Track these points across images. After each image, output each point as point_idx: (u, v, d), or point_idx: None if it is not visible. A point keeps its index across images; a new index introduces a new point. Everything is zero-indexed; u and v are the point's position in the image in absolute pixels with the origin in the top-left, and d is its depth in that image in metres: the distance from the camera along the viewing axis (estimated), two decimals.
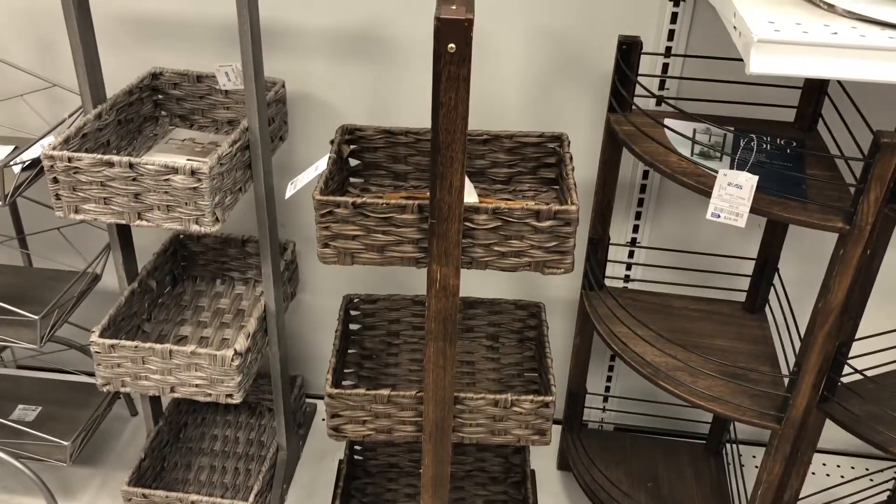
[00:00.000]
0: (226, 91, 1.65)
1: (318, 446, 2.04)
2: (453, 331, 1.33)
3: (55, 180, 1.33)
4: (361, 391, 1.44)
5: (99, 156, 1.30)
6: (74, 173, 1.32)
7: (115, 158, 1.29)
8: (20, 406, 1.91)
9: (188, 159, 1.54)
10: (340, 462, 1.99)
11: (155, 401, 1.84)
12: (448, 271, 1.26)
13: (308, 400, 2.14)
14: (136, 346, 1.50)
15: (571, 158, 1.39)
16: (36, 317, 1.54)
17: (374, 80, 1.70)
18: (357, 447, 1.88)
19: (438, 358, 1.35)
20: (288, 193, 1.36)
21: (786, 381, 1.40)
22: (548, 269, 1.29)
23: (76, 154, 1.30)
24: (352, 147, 1.48)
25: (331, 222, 1.26)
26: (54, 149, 1.32)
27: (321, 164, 1.34)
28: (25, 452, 1.75)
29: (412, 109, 1.72)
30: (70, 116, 1.56)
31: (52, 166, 1.32)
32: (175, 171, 1.29)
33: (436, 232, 1.23)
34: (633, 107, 1.46)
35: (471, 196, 1.42)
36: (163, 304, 1.79)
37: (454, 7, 1.07)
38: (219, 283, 1.89)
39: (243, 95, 1.65)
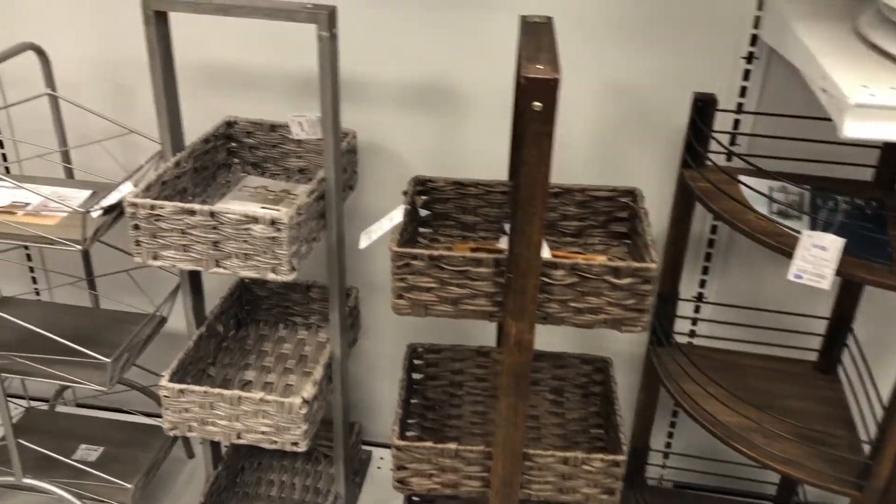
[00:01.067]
0: (298, 140, 1.68)
1: (374, 494, 2.02)
2: (526, 387, 1.31)
3: (136, 227, 1.36)
4: (429, 444, 1.42)
5: (181, 204, 1.32)
6: (156, 220, 1.34)
7: (197, 207, 1.32)
8: (82, 446, 1.92)
9: (262, 207, 1.57)
10: None
11: (215, 445, 1.84)
12: (523, 327, 1.26)
13: (363, 447, 2.13)
14: (204, 392, 1.51)
15: (646, 214, 1.39)
16: (108, 360, 1.56)
17: (440, 130, 1.72)
18: (415, 497, 1.86)
19: (510, 414, 1.34)
20: (363, 244, 1.37)
21: (865, 447, 1.36)
22: (625, 327, 1.28)
23: (158, 202, 1.33)
24: (424, 199, 1.48)
25: (406, 274, 1.27)
26: (137, 196, 1.35)
27: (396, 216, 1.35)
28: (88, 493, 1.76)
29: (477, 160, 1.73)
30: (147, 163, 1.59)
31: (133, 213, 1.34)
32: (255, 220, 1.31)
33: (512, 287, 1.22)
34: (709, 163, 1.45)
35: (542, 250, 1.42)
36: (227, 348, 1.80)
37: (540, 66, 1.08)
38: (282, 328, 1.90)
39: (315, 145, 1.68)
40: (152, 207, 1.33)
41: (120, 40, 1.73)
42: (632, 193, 1.47)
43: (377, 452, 2.14)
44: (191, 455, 2.11)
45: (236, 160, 1.72)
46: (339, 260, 1.55)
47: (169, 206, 1.33)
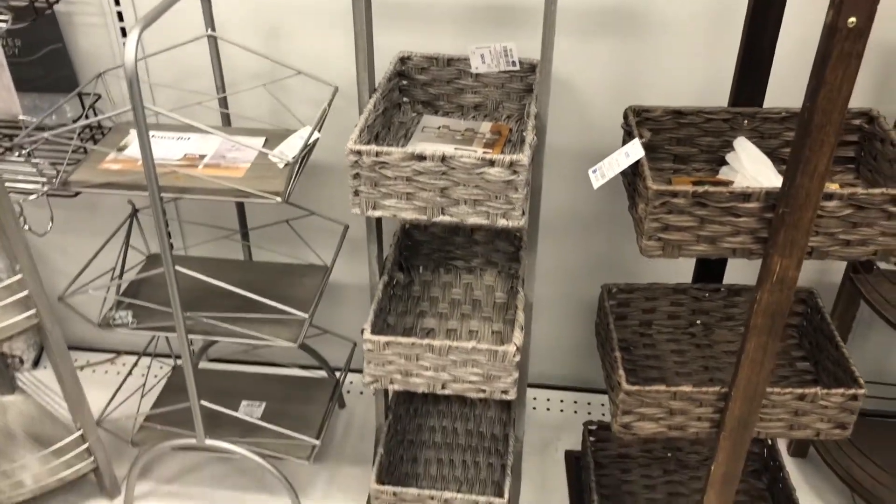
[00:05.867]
0: (476, 75, 1.57)
1: (535, 434, 1.98)
2: (781, 326, 1.25)
3: (357, 176, 1.27)
4: (662, 388, 1.37)
5: (409, 150, 1.23)
6: (380, 168, 1.25)
7: (427, 152, 1.23)
8: (244, 402, 1.87)
9: (456, 148, 1.48)
10: (567, 453, 1.95)
11: (385, 395, 1.79)
12: (789, 263, 1.19)
13: None
14: (412, 343, 1.44)
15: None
16: (305, 315, 1.49)
17: (619, 57, 1.62)
18: (592, 438, 1.82)
19: (758, 353, 1.28)
20: (596, 184, 1.29)
21: None
22: (895, 257, 1.21)
23: (385, 149, 1.24)
24: (651, 131, 1.39)
25: (664, 213, 1.19)
26: (357, 142, 1.26)
27: (633, 151, 1.27)
28: (265, 451, 1.71)
29: (662, 87, 1.63)
30: (328, 105, 1.49)
31: (356, 161, 1.25)
32: (491, 163, 1.22)
33: (785, 221, 1.15)
34: None
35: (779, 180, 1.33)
36: (396, 296, 1.73)
37: None
38: (443, 273, 1.83)
39: (494, 79, 1.58)
40: (377, 154, 1.24)
41: None
42: (866, 115, 1.38)
43: (529, 393, 2.10)
44: (342, 405, 2.07)
45: (406, 99, 1.62)
46: (538, 202, 1.47)
47: (397, 152, 1.23)
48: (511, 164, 1.22)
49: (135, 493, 1.80)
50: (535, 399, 2.08)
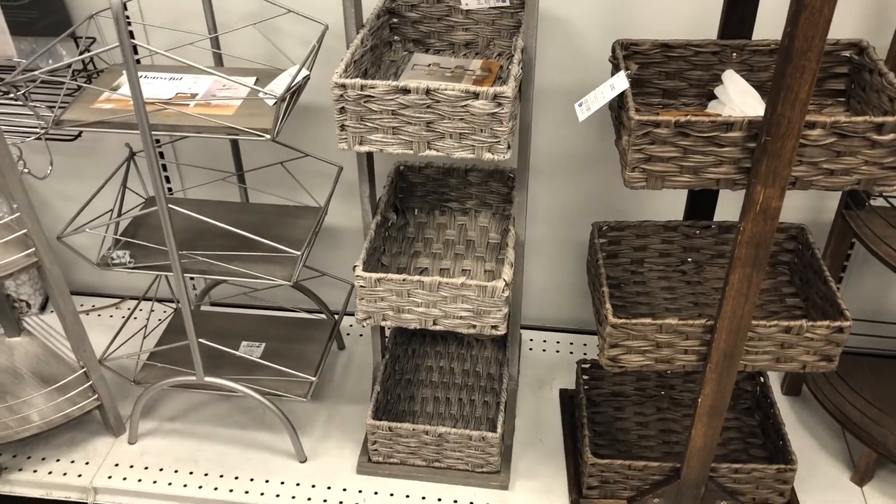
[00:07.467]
0: (466, 11, 1.57)
1: (531, 375, 2.01)
2: (765, 258, 1.26)
3: (342, 110, 1.28)
4: (647, 320, 1.39)
5: (394, 83, 1.24)
6: (365, 102, 1.26)
7: (412, 84, 1.23)
8: (244, 343, 1.91)
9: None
10: (562, 391, 1.97)
11: (383, 335, 1.81)
12: (773, 193, 1.19)
13: None
14: (403, 280, 1.46)
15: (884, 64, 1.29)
16: (298, 252, 1.51)
17: None
18: (585, 377, 1.84)
19: (743, 285, 1.29)
20: (582, 116, 1.29)
21: None
22: (878, 187, 1.21)
23: (370, 82, 1.24)
24: (635, 64, 1.39)
25: (646, 144, 1.19)
26: (343, 76, 1.27)
27: (618, 83, 1.26)
28: (264, 388, 1.75)
29: (655, 24, 1.62)
30: (318, 43, 1.49)
31: (341, 95, 1.26)
32: (475, 96, 1.23)
33: (767, 150, 1.15)
34: None
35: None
36: (390, 237, 1.75)
37: None
38: (438, 214, 1.84)
39: (484, 15, 1.57)
40: (362, 88, 1.25)
41: None
42: (857, 46, 1.36)
43: (526, 335, 2.13)
44: (341, 347, 2.10)
45: (397, 38, 1.62)
46: (527, 137, 1.47)
47: (381, 85, 1.24)
48: (495, 96, 1.23)
49: (139, 431, 1.84)
50: (531, 340, 2.11)
